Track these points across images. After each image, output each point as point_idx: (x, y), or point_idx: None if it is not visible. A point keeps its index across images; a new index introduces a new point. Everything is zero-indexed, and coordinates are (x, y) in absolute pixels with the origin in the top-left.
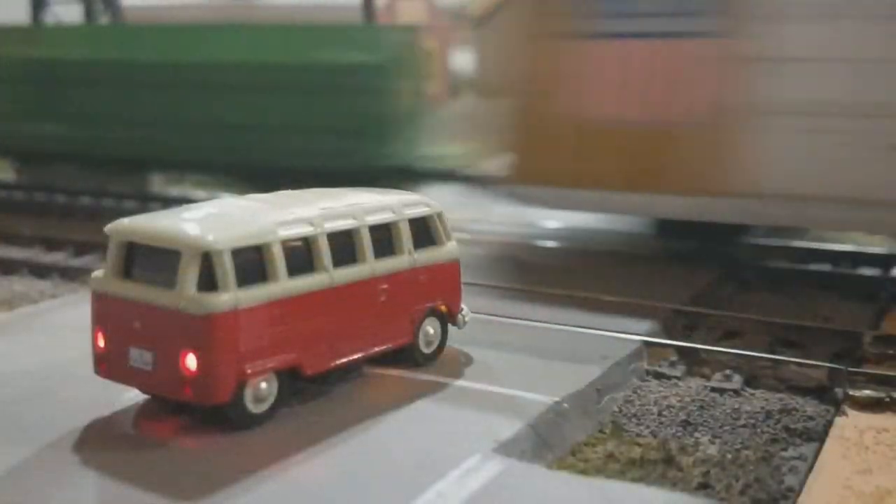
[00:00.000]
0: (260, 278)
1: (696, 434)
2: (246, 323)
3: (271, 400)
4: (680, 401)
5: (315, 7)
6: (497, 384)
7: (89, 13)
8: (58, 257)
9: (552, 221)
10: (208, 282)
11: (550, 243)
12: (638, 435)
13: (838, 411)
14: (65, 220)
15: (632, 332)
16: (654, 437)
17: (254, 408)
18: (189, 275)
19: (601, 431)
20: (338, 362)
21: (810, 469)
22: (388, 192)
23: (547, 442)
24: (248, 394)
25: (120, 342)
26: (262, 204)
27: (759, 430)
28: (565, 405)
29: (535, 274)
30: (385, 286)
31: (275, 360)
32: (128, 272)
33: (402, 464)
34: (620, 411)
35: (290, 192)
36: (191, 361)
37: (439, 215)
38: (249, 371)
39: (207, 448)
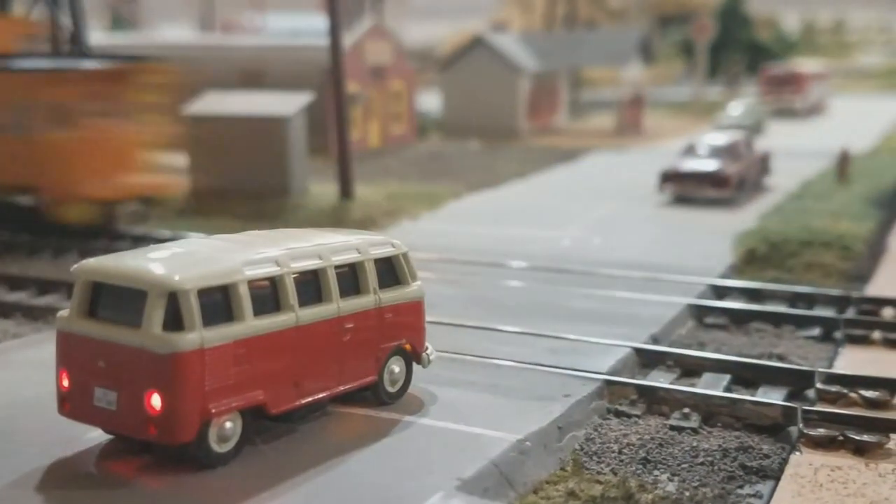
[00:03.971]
0: (226, 318)
1: (656, 472)
2: (211, 362)
3: (235, 439)
4: (640, 439)
5: (284, 48)
6: (460, 422)
7: (56, 50)
8: (21, 296)
9: (518, 260)
10: (174, 321)
11: (515, 281)
12: (598, 472)
13: (793, 449)
14: (30, 259)
15: (593, 371)
16: (615, 474)
17: (218, 447)
18: (155, 314)
19: (563, 469)
20: (303, 402)
21: None
22: (354, 233)
23: (509, 480)
24: (213, 433)
25: (84, 381)
26: (229, 243)
27: (716, 467)
28: (528, 443)
29: (499, 311)
30: (351, 325)
31: (240, 400)
32: (93, 311)
33: (367, 502)
34: (582, 449)
35: (257, 231)
36: (155, 401)
37: (404, 255)
38: (214, 410)
39: (171, 488)
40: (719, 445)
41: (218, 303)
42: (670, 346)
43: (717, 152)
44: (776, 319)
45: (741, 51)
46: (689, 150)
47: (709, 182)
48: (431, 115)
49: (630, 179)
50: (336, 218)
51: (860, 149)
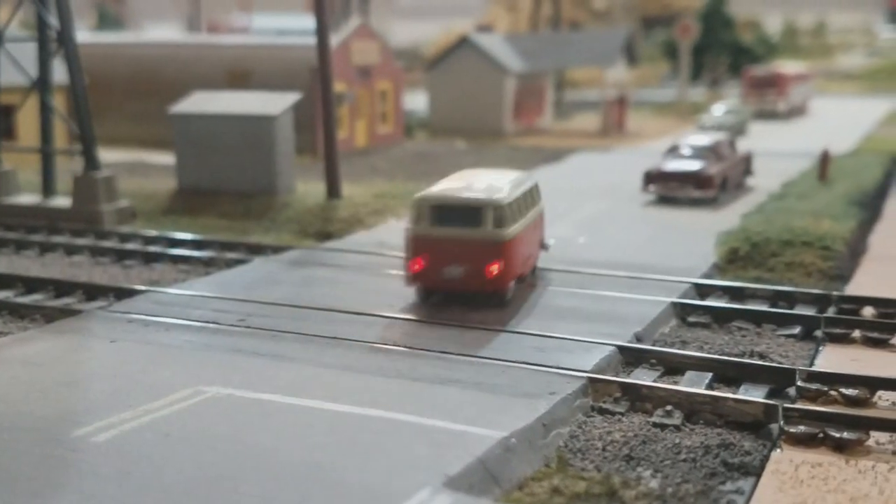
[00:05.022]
0: (513, 220)
1: (639, 468)
2: (515, 245)
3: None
4: (623, 436)
5: (272, 46)
6: (447, 420)
7: (43, 49)
8: (7, 294)
9: None
10: (498, 222)
11: None
12: (583, 469)
13: (774, 446)
14: (18, 256)
15: (578, 369)
16: (598, 471)
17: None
18: (489, 219)
19: (547, 466)
20: (526, 270)
21: (748, 503)
22: (510, 171)
23: (495, 476)
24: (512, 285)
25: (435, 263)
26: (484, 176)
27: (698, 464)
28: (513, 440)
29: (484, 309)
30: (536, 225)
31: (521, 267)
32: (437, 220)
33: (355, 497)
34: (566, 446)
35: (477, 170)
36: (494, 268)
37: (537, 185)
38: (517, 272)
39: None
40: (702, 442)
41: (513, 209)
42: (654, 344)
43: (700, 153)
44: (758, 318)
45: (724, 52)
46: (673, 151)
47: (692, 182)
48: (418, 115)
49: (614, 179)
50: (323, 217)
51: (841, 149)
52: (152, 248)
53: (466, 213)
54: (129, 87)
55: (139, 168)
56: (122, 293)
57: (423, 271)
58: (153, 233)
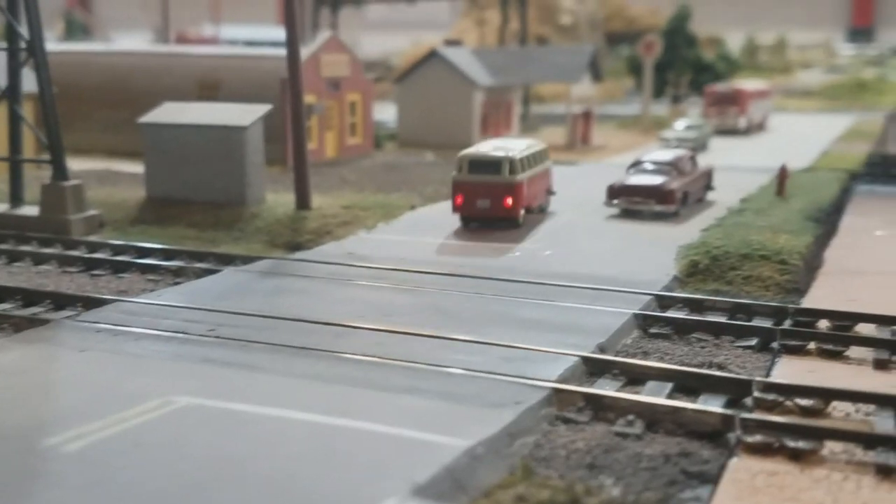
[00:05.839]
0: (522, 171)
1: (601, 476)
2: (524, 187)
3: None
4: (586, 444)
5: (243, 57)
6: (415, 429)
7: (13, 58)
8: None
9: (471, 271)
10: (511, 171)
11: (468, 291)
12: (547, 477)
13: (732, 455)
14: None
15: (543, 379)
16: (562, 479)
17: (521, 220)
18: (506, 168)
19: (513, 474)
20: (533, 204)
21: None
22: (522, 138)
23: (462, 485)
24: (522, 213)
25: (471, 198)
26: (506, 142)
27: (659, 472)
28: (480, 449)
29: (453, 321)
30: (543, 174)
31: (527, 202)
32: (472, 170)
33: None
34: (531, 455)
35: (501, 138)
36: (509, 202)
37: (546, 149)
38: (525, 204)
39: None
40: (662, 451)
41: (522, 163)
42: (616, 355)
43: (662, 168)
44: (717, 330)
45: (686, 69)
46: (636, 166)
47: (654, 196)
48: (387, 127)
49: (580, 192)
50: (293, 228)
51: (799, 165)
52: (121, 258)
53: (491, 165)
54: (99, 96)
55: (108, 177)
56: (91, 303)
57: (462, 204)
58: (122, 242)
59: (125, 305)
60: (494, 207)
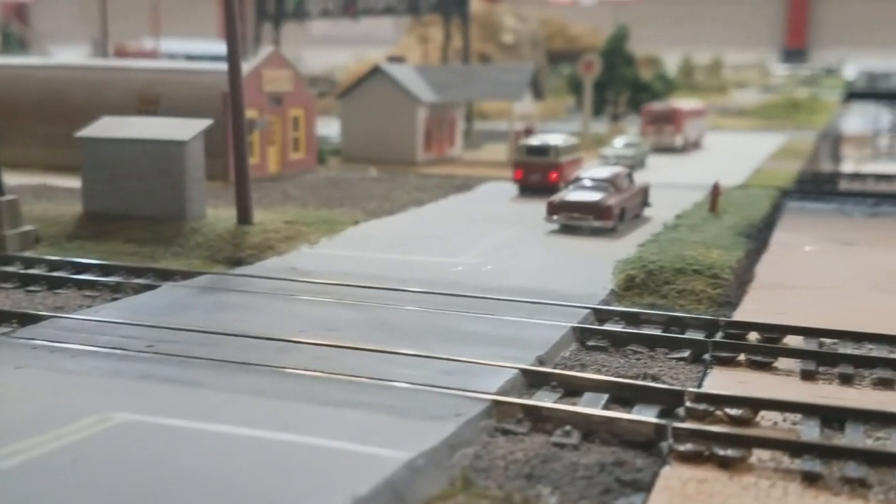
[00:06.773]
0: (563, 156)
1: (539, 486)
2: (565, 166)
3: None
4: (525, 455)
5: (183, 71)
6: (356, 442)
7: None
8: None
9: (413, 285)
10: (556, 155)
11: (411, 306)
12: (486, 488)
13: (664, 464)
14: None
15: (483, 392)
16: (501, 489)
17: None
18: (552, 154)
19: (452, 485)
20: (569, 179)
21: None
22: (564, 134)
23: (402, 497)
24: (563, 185)
25: (527, 172)
26: (550, 136)
27: (594, 481)
28: (420, 461)
29: (396, 335)
30: (577, 163)
31: (565, 177)
32: (528, 154)
33: None
34: (471, 466)
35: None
36: (553, 176)
37: (578, 143)
38: (564, 180)
39: None
40: (597, 460)
41: (563, 152)
42: (555, 367)
43: (600, 185)
44: (651, 342)
45: (625, 88)
46: (575, 182)
47: (592, 212)
48: (331, 142)
49: (521, 209)
50: (234, 243)
51: (732, 182)
52: (57, 274)
53: (542, 150)
54: (36, 110)
55: (45, 192)
56: (27, 319)
57: (521, 178)
58: (58, 258)
59: (62, 322)
60: (542, 180)
